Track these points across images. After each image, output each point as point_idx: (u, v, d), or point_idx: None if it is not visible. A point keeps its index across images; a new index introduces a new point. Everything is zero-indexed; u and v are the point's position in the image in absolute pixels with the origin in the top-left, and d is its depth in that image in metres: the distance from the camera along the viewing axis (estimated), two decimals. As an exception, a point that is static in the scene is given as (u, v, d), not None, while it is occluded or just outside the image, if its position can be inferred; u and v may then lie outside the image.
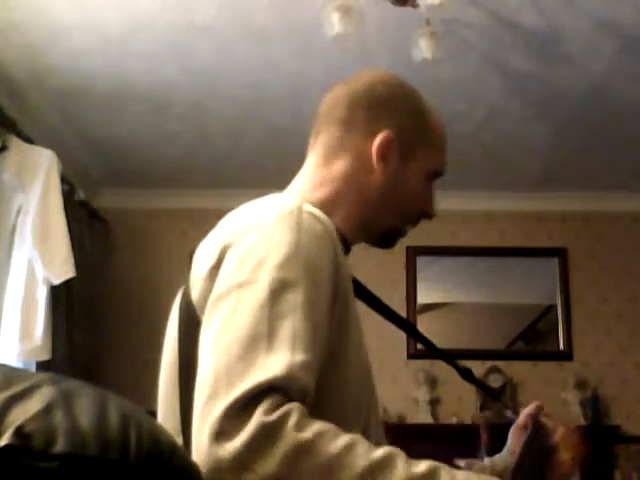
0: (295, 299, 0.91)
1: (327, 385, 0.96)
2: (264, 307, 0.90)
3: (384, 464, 0.84)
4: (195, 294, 1.01)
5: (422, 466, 0.86)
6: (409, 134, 1.18)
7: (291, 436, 0.81)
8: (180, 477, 0.79)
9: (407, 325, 1.43)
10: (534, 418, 1.29)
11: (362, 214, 1.18)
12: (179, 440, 0.97)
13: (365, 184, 1.17)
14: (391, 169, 1.17)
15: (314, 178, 1.18)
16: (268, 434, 0.81)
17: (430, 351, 1.36)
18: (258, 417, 0.81)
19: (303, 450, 0.81)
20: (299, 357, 0.87)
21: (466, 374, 1.39)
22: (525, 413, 1.32)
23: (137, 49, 3.35)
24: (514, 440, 1.31)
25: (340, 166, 1.17)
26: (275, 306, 0.90)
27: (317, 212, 1.04)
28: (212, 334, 0.91)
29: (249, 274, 0.93)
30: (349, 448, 0.83)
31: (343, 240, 1.13)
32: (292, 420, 0.82)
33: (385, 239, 1.23)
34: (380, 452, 0.85)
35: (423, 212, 1.23)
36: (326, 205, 1.14)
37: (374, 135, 1.16)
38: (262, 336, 0.87)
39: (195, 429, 0.85)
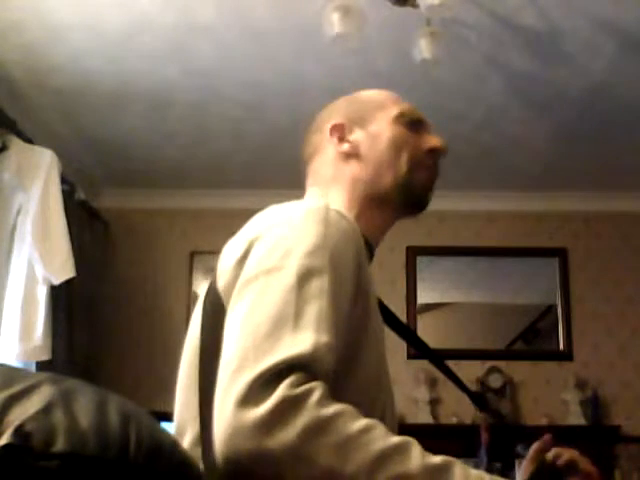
0: (321, 285, 0.94)
1: (343, 383, 0.97)
2: (291, 291, 0.92)
3: (399, 450, 0.85)
4: (222, 284, 1.03)
5: (437, 458, 0.87)
6: (354, 112, 1.30)
7: (312, 411, 0.83)
8: (180, 476, 0.79)
9: (425, 347, 1.43)
10: (542, 451, 1.29)
11: (371, 193, 1.24)
12: (196, 427, 0.99)
13: (351, 168, 1.26)
14: (357, 139, 1.26)
15: (321, 191, 1.26)
16: (291, 406, 0.82)
17: (444, 372, 1.38)
18: (283, 389, 0.83)
19: (322, 426, 0.83)
20: (324, 338, 0.89)
21: (478, 400, 1.40)
22: (535, 449, 1.31)
23: (137, 49, 3.35)
24: (525, 474, 1.31)
25: (329, 172, 1.27)
26: (302, 290, 0.93)
27: (344, 212, 1.09)
28: (240, 316, 0.93)
29: (277, 261, 0.96)
30: (367, 430, 0.85)
31: (367, 244, 1.16)
32: (315, 396, 0.84)
33: (412, 194, 1.25)
34: (397, 438, 0.86)
35: (427, 150, 1.27)
36: (343, 207, 1.20)
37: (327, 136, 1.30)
38: (289, 317, 0.90)
39: (219, 397, 0.86)
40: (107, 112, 3.91)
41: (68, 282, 3.48)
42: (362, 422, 0.85)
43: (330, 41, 2.76)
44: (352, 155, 1.25)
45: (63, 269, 3.38)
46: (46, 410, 0.73)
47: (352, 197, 1.23)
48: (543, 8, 3.04)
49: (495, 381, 4.54)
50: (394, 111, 1.27)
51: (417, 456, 0.85)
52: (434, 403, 4.55)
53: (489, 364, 4.58)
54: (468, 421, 4.43)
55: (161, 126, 4.06)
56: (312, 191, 1.27)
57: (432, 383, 4.52)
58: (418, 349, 1.39)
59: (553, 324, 4.75)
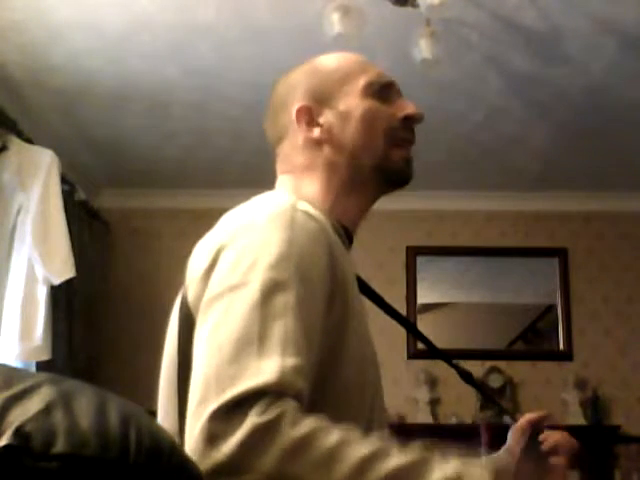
0: (286, 300, 0.91)
1: (326, 383, 0.96)
2: (255, 309, 0.89)
3: (380, 453, 0.84)
4: (191, 295, 1.01)
5: (415, 453, 0.86)
6: (319, 89, 1.20)
7: (287, 433, 0.81)
8: (180, 477, 0.79)
9: (410, 325, 1.43)
10: (534, 425, 1.27)
11: (349, 177, 1.17)
12: (177, 440, 0.98)
13: (325, 153, 1.17)
14: (327, 121, 1.18)
15: (294, 180, 1.19)
16: (264, 433, 0.81)
17: (431, 352, 1.36)
18: (252, 418, 0.81)
19: (300, 445, 0.81)
20: (290, 361, 0.86)
21: (467, 377, 1.39)
22: (527, 419, 1.30)
23: (137, 49, 3.35)
24: (513, 441, 1.31)
25: (301, 160, 1.19)
26: (266, 308, 0.90)
27: (311, 210, 1.04)
28: (204, 337, 0.91)
29: (241, 276, 0.93)
30: (345, 440, 0.83)
31: (345, 230, 1.14)
32: (286, 418, 0.82)
33: (392, 173, 1.18)
34: (375, 442, 0.85)
35: (400, 119, 1.19)
36: (317, 196, 1.15)
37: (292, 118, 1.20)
38: (253, 340, 0.87)
39: (188, 434, 0.85)
40: (107, 112, 3.91)
41: (68, 282, 3.48)
42: (338, 432, 0.84)
43: (330, 41, 2.76)
44: (324, 140, 1.17)
45: (63, 269, 3.38)
46: (46, 411, 0.73)
47: (329, 185, 1.16)
48: (543, 8, 3.04)
49: (495, 381, 4.54)
50: (361, 82, 1.19)
51: (397, 455, 0.85)
52: (434, 403, 4.55)
53: (489, 364, 4.58)
54: (468, 421, 4.44)
55: (161, 126, 4.06)
56: (284, 180, 1.20)
57: (432, 383, 4.52)
58: (410, 331, 1.38)
59: (553, 324, 4.75)
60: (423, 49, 2.84)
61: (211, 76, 3.58)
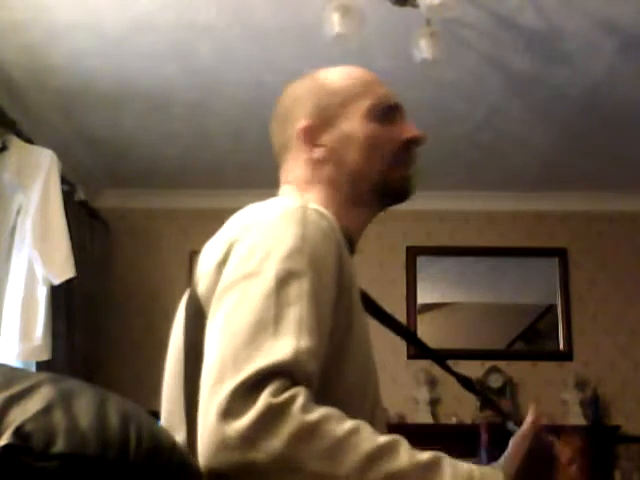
0: (301, 288, 0.93)
1: (329, 385, 0.96)
2: (270, 296, 0.91)
3: (389, 449, 0.85)
4: (201, 289, 1.02)
5: (426, 454, 0.87)
6: (323, 109, 1.21)
7: (297, 417, 0.83)
8: (180, 476, 0.79)
9: (410, 334, 1.44)
10: (535, 426, 1.26)
11: (347, 195, 1.19)
12: (183, 431, 0.99)
13: (326, 172, 1.19)
14: (329, 141, 1.19)
15: (297, 190, 1.21)
16: (275, 414, 0.82)
17: (431, 357, 1.37)
18: (265, 398, 0.82)
19: (308, 431, 0.83)
20: (305, 343, 0.88)
21: (467, 384, 1.40)
22: (528, 422, 1.29)
23: (137, 49, 3.35)
24: (514, 448, 1.30)
25: (303, 174, 1.21)
26: (281, 294, 0.92)
27: (323, 210, 1.06)
28: (219, 323, 0.92)
29: (256, 266, 0.95)
30: (354, 432, 0.85)
31: (348, 239, 1.15)
32: (299, 402, 0.84)
33: (391, 192, 1.21)
34: (385, 438, 0.86)
35: (402, 142, 1.20)
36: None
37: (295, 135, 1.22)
38: (268, 323, 0.89)
39: (202, 410, 0.86)
40: (107, 112, 3.91)
41: (68, 282, 3.48)
42: (348, 424, 0.85)
43: (330, 41, 2.76)
44: (325, 160, 1.19)
45: (63, 269, 3.38)
46: (46, 410, 0.73)
47: (329, 200, 1.18)
48: (543, 8, 3.04)
49: (495, 381, 4.53)
50: (366, 103, 1.20)
51: (406, 453, 0.86)
52: (434, 403, 4.55)
53: (489, 364, 4.58)
54: (468, 421, 4.44)
55: (161, 126, 4.06)
56: (288, 190, 1.22)
57: (432, 383, 4.52)
58: (407, 339, 1.38)
59: (553, 324, 4.75)
60: (423, 49, 2.84)
61: (211, 76, 3.58)
